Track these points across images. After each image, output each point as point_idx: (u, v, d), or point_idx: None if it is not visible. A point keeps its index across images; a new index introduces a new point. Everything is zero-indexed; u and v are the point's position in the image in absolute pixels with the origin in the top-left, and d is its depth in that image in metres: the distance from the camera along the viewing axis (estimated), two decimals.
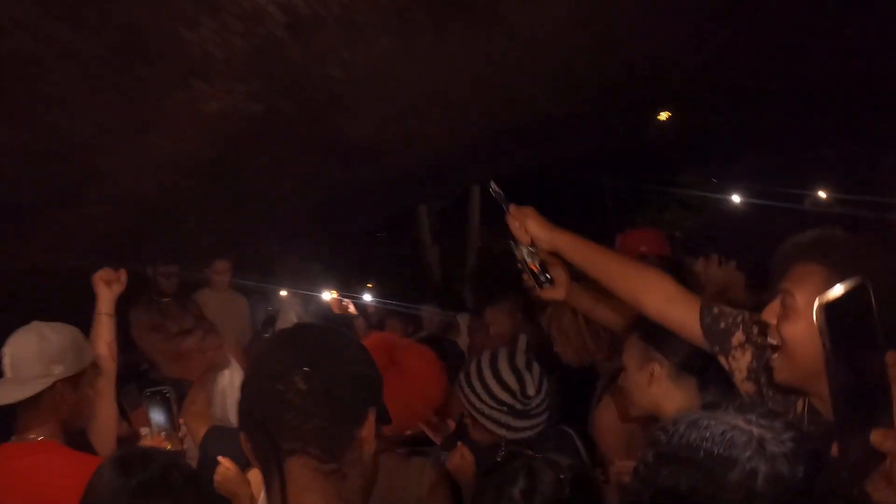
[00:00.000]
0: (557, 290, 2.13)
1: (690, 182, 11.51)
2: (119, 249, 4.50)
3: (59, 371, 2.13)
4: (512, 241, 2.11)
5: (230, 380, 3.20)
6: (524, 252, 2.09)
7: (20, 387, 2.09)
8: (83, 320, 2.45)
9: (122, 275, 2.61)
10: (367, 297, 7.27)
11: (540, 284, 2.12)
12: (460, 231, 10.87)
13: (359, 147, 5.42)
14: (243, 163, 4.94)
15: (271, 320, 4.95)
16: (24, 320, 2.23)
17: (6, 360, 2.14)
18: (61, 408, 2.14)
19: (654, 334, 1.91)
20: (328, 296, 5.81)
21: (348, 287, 6.97)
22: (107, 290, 2.56)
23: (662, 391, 1.91)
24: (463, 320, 5.20)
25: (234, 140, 4.53)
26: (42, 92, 3.29)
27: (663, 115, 8.24)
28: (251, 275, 5.73)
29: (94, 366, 2.30)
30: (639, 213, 12.24)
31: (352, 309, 6.48)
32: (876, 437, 0.86)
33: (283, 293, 5.79)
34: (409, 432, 2.39)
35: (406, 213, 10.74)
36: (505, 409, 2.20)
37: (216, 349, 4.03)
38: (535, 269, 2.10)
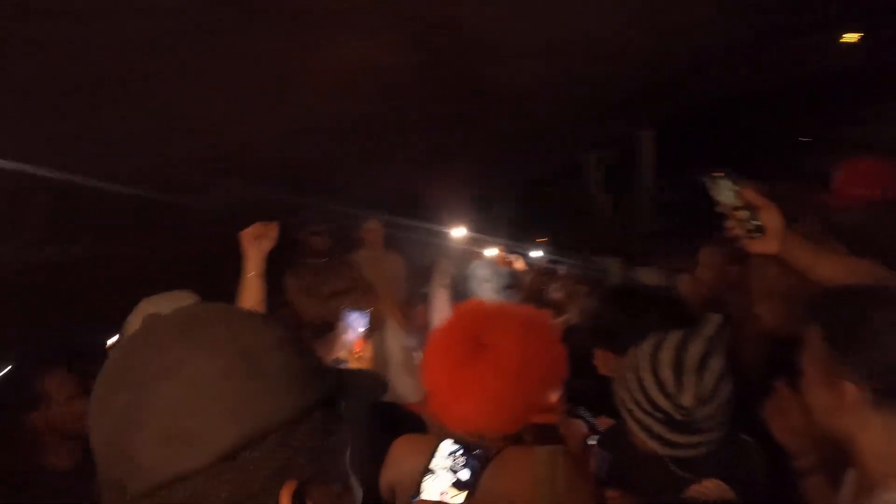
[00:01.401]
0: (769, 242, 1.69)
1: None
2: (273, 216, 4.53)
3: None
4: (709, 179, 1.72)
5: (387, 342, 3.09)
6: (726, 192, 1.70)
7: None
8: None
9: (273, 229, 2.42)
10: (535, 253, 6.89)
11: (748, 233, 1.70)
12: (632, 180, 10.26)
13: (514, 93, 5.14)
14: (393, 118, 4.82)
15: (427, 271, 4.80)
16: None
17: (129, 328, 2.11)
18: None
19: (848, 341, 1.34)
20: (493, 251, 5.52)
21: (516, 241, 6.67)
22: (255, 248, 2.38)
23: (858, 421, 1.35)
24: (641, 272, 4.79)
25: (380, 95, 4.40)
26: (176, 69, 3.27)
27: (853, 37, 7.14)
28: (408, 231, 5.61)
29: None
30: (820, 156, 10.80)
31: (518, 265, 6.15)
32: None
33: (444, 248, 5.63)
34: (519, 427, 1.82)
35: (574, 164, 10.28)
36: (660, 416, 1.66)
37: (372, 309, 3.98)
38: (741, 215, 1.69)
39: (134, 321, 2.19)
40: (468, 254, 5.62)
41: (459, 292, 4.06)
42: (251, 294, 2.36)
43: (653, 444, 1.67)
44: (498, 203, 8.20)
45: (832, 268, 1.67)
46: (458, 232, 5.40)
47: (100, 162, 3.78)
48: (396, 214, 5.47)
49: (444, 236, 5.57)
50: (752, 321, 2.62)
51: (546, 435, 2.72)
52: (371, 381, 0.97)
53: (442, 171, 6.13)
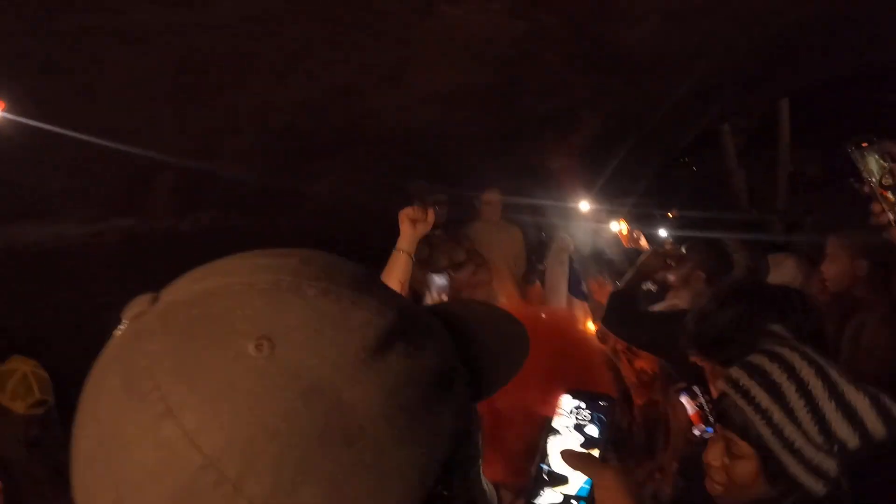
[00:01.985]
0: None
1: None
2: (393, 188, 4.48)
3: None
4: (854, 149, 1.42)
5: None
6: (874, 165, 1.39)
7: None
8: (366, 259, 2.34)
9: (430, 215, 2.45)
10: (663, 231, 6.34)
11: None
12: (769, 153, 9.57)
13: (641, 59, 4.81)
14: (514, 87, 4.63)
15: (544, 247, 4.59)
16: None
17: None
18: None
19: None
20: (617, 227, 5.14)
21: (644, 216, 6.22)
22: (410, 228, 2.42)
23: None
24: (775, 261, 4.30)
25: (499, 64, 4.23)
26: (289, 47, 3.25)
27: None
28: (530, 205, 5.38)
29: None
30: None
31: (643, 243, 5.71)
32: None
33: (565, 224, 5.36)
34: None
35: (708, 135, 9.68)
36: (844, 456, 1.33)
37: (487, 283, 3.84)
38: (890, 197, 1.38)
39: None
40: (591, 229, 5.32)
41: (577, 271, 3.85)
42: (398, 270, 2.35)
43: (816, 489, 1.34)
44: (627, 175, 7.79)
45: None
46: (584, 206, 5.11)
47: (224, 139, 3.87)
48: (518, 186, 5.28)
49: (568, 210, 5.31)
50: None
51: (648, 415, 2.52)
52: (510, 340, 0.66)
53: (568, 142, 5.88)
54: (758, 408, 1.36)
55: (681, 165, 11.07)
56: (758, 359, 1.41)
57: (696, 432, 2.39)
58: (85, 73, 2.82)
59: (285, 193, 4.49)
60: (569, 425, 1.07)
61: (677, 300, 3.25)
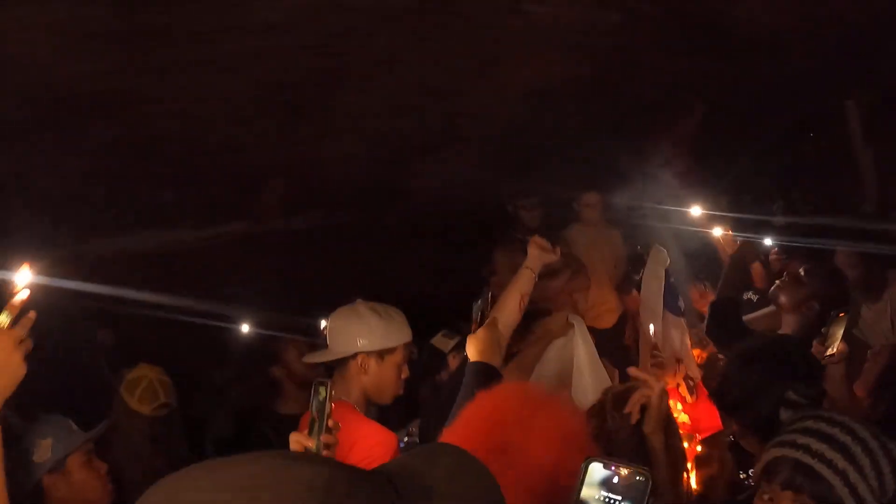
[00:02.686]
0: None
1: None
2: (487, 187, 4.53)
3: (362, 343, 2.38)
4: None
5: (571, 348, 2.91)
6: None
7: (327, 352, 2.45)
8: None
9: (557, 252, 2.67)
10: (768, 240, 5.57)
11: None
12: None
13: (753, 38, 4.58)
14: (611, 78, 4.53)
15: (639, 259, 4.40)
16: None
17: (326, 330, 2.50)
18: (363, 378, 2.39)
19: None
20: (720, 232, 4.44)
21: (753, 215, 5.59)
22: (538, 252, 2.61)
23: None
24: None
25: (594, 55, 4.15)
26: (376, 57, 3.36)
27: None
28: (630, 206, 5.19)
29: (406, 347, 2.48)
30: None
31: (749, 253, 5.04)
32: None
33: (665, 231, 4.97)
34: None
35: (831, 110, 9.04)
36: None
37: (584, 290, 3.77)
38: None
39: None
40: (696, 235, 4.85)
41: (674, 285, 3.71)
42: (522, 284, 2.53)
43: None
44: (738, 171, 7.29)
45: None
46: (693, 209, 4.67)
47: (324, 146, 4.06)
48: (620, 186, 5.09)
49: (674, 214, 4.95)
50: None
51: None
52: None
53: (673, 134, 5.67)
54: (835, 469, 1.51)
55: (805, 142, 10.33)
56: (817, 424, 1.59)
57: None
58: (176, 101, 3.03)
59: (388, 192, 4.63)
60: (599, 498, 0.92)
61: (784, 325, 3.20)
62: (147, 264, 4.03)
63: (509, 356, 2.61)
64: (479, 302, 2.80)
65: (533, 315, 2.83)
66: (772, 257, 5.01)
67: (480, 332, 2.32)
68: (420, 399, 3.97)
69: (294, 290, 4.76)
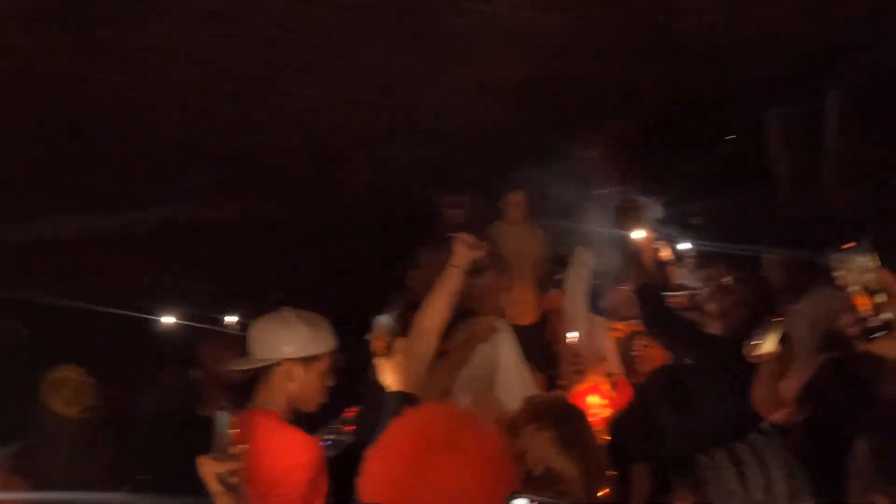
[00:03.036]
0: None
1: None
2: (429, 185, 4.47)
3: (288, 350, 2.33)
4: (835, 252, 1.36)
5: (497, 352, 2.92)
6: (857, 269, 1.28)
7: (252, 361, 2.38)
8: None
9: (484, 248, 2.69)
10: (687, 244, 5.32)
11: (869, 330, 1.29)
12: (815, 137, 9.19)
13: (698, 51, 4.66)
14: (554, 80, 4.52)
15: (561, 260, 4.41)
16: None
17: (250, 338, 2.42)
18: (288, 386, 2.34)
19: None
20: (639, 235, 4.20)
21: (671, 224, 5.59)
22: (466, 250, 2.64)
23: None
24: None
25: (544, 57, 4.13)
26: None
27: None
28: (554, 207, 5.19)
29: (331, 355, 2.44)
30: None
31: (665, 254, 4.88)
32: None
33: (588, 234, 4.95)
34: None
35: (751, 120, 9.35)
36: None
37: (507, 289, 3.75)
38: (866, 303, 1.28)
39: None
40: (621, 235, 4.74)
41: (597, 285, 3.74)
42: (451, 284, 2.57)
43: None
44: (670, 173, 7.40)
45: None
46: (616, 210, 4.60)
47: (267, 137, 3.91)
48: (553, 185, 5.10)
49: (597, 215, 4.95)
50: None
51: None
52: None
53: (609, 136, 5.73)
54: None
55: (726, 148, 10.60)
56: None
57: None
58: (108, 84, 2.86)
59: (323, 186, 4.53)
60: None
61: (712, 328, 3.32)
62: (61, 253, 3.79)
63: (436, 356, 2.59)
64: (388, 318, 2.59)
65: (458, 314, 2.81)
66: (687, 259, 5.11)
67: (399, 359, 2.31)
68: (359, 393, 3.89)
69: (218, 284, 4.61)
